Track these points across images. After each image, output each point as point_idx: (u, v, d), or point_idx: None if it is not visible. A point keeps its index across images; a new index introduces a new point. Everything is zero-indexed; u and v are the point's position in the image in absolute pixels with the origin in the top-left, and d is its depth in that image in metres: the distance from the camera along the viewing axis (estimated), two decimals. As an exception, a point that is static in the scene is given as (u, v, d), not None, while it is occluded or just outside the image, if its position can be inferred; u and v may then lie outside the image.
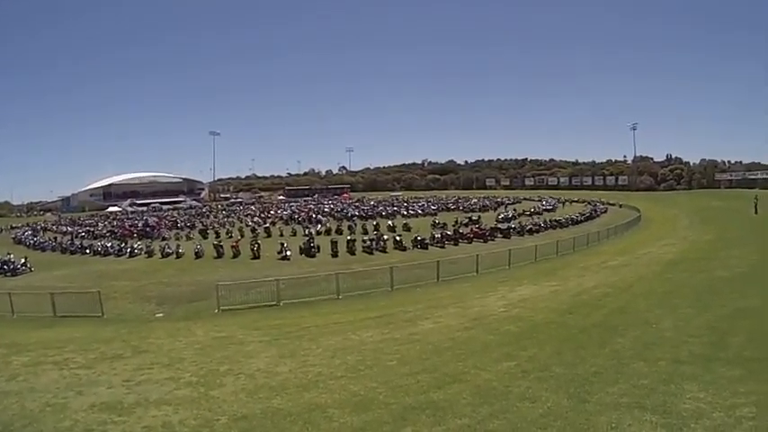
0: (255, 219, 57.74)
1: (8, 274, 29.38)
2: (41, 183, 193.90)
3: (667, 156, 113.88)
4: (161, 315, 17.56)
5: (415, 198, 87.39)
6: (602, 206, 59.48)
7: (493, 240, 35.04)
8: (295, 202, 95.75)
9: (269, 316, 15.63)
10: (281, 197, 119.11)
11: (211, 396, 7.43)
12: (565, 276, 19.09)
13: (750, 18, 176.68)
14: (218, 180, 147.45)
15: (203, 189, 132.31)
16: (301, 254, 30.71)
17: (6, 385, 8.60)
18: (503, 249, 26.05)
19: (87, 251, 38.60)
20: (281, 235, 40.57)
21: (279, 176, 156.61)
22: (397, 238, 33.27)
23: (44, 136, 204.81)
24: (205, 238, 43.08)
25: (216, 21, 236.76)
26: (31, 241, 47.71)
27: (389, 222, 44.97)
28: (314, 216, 56.09)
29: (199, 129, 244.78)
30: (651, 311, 11.03)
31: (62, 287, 21.66)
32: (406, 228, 40.72)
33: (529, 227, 39.40)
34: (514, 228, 39.03)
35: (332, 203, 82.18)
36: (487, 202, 68.58)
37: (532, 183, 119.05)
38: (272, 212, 66.92)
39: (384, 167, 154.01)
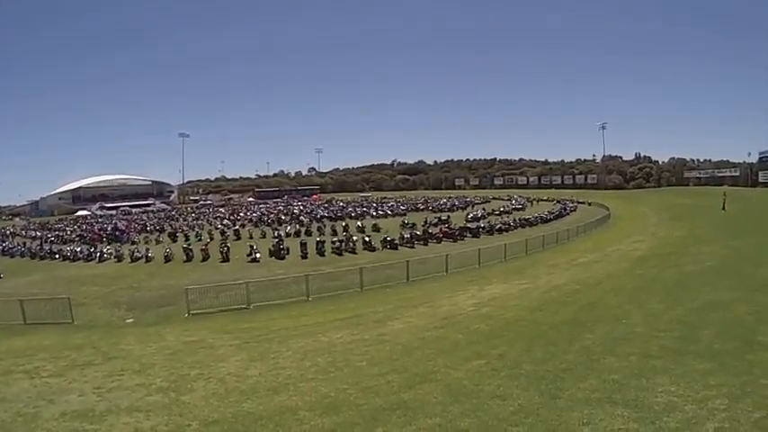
0: (225, 221, 57.39)
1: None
2: (9, 186, 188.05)
3: (636, 154, 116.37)
4: (131, 320, 17.52)
5: (385, 198, 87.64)
6: (571, 204, 60.56)
7: (462, 240, 35.35)
8: (264, 203, 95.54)
9: (239, 319, 15.58)
10: (251, 199, 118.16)
11: (182, 401, 7.36)
12: (534, 274, 19.18)
13: (714, 15, 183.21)
14: (188, 182, 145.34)
15: (173, 192, 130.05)
16: (271, 256, 30.68)
17: (-22, 396, 8.39)
18: (472, 249, 26.23)
19: (57, 256, 38.22)
20: (251, 237, 40.59)
21: (248, 178, 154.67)
22: (367, 238, 33.28)
23: (12, 139, 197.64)
24: (174, 241, 42.69)
25: (183, 23, 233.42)
26: (0, 247, 46.48)
27: (359, 223, 45.23)
28: (282, 217, 56.10)
29: (168, 131, 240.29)
30: (621, 307, 11.03)
31: (32, 293, 21.86)
32: (376, 228, 40.84)
33: (498, 226, 39.82)
34: (484, 227, 39.42)
35: (301, 205, 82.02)
36: (457, 202, 69.08)
37: (502, 182, 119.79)
38: (241, 214, 66.78)
39: (353, 168, 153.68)
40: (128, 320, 17.48)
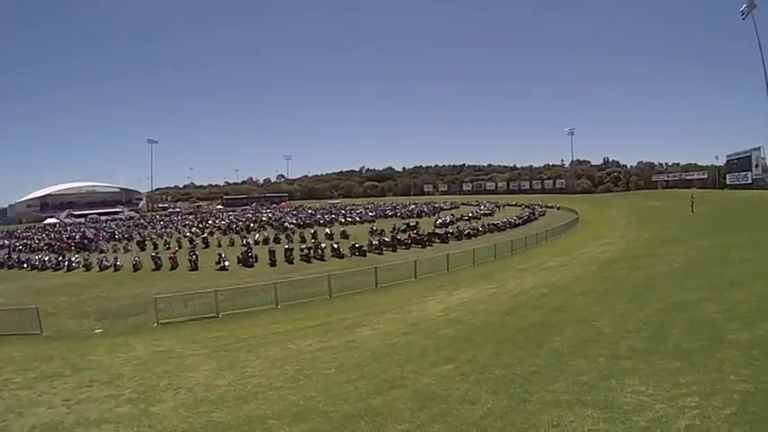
0: (194, 229, 56.53)
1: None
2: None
3: (605, 159, 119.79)
4: (100, 330, 17.17)
5: (353, 205, 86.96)
6: (539, 209, 61.44)
7: (431, 246, 35.37)
8: (233, 211, 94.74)
9: (208, 328, 15.47)
10: (220, 206, 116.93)
11: (151, 412, 7.36)
12: (503, 279, 19.27)
13: (680, 18, 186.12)
14: (157, 189, 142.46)
15: (141, 199, 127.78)
16: (239, 264, 30.34)
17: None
18: (441, 254, 26.25)
19: (25, 265, 37.24)
20: (220, 245, 39.95)
21: (217, 185, 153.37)
22: (335, 245, 32.97)
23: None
24: (143, 249, 41.74)
25: (149, 28, 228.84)
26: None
27: (327, 230, 45.19)
28: (251, 225, 55.62)
29: (136, 137, 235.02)
30: (589, 309, 11.04)
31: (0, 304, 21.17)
32: (344, 235, 40.72)
33: (467, 231, 40.15)
34: (452, 232, 39.61)
35: (270, 212, 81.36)
36: (425, 208, 69.05)
37: (471, 188, 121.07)
38: (209, 222, 65.71)
39: (322, 175, 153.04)
40: (96, 330, 17.07)
